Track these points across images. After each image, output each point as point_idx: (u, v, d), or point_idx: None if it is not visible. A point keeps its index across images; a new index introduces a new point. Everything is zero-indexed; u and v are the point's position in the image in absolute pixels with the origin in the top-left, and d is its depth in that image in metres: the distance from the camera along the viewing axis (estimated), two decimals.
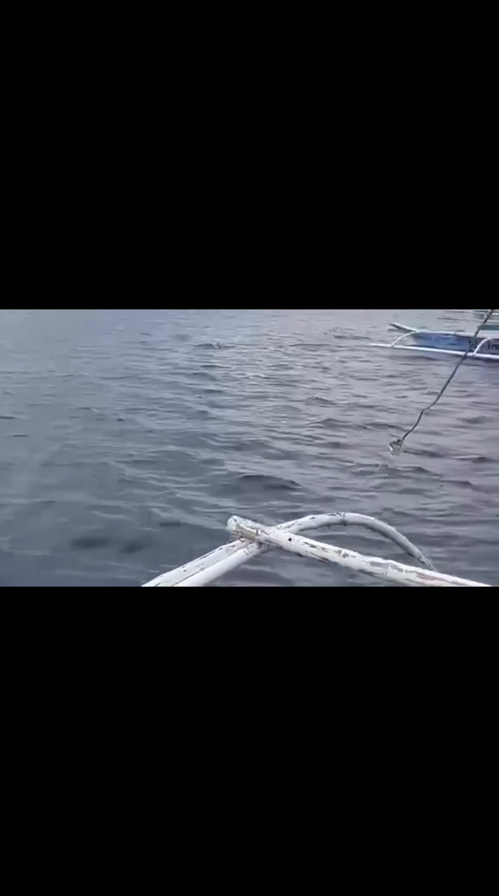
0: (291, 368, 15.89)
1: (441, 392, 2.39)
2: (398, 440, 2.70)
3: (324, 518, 2.01)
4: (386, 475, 7.29)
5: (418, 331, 19.22)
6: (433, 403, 2.41)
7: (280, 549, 1.66)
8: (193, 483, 7.17)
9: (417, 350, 18.38)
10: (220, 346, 18.87)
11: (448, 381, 2.28)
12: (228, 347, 18.85)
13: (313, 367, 16.40)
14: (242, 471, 7.49)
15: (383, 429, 9.13)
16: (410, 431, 2.59)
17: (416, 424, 2.50)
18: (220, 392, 12.54)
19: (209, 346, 18.89)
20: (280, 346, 19.26)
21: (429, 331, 18.95)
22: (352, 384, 13.80)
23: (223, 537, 1.82)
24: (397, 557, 1.55)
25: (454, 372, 2.28)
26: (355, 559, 1.50)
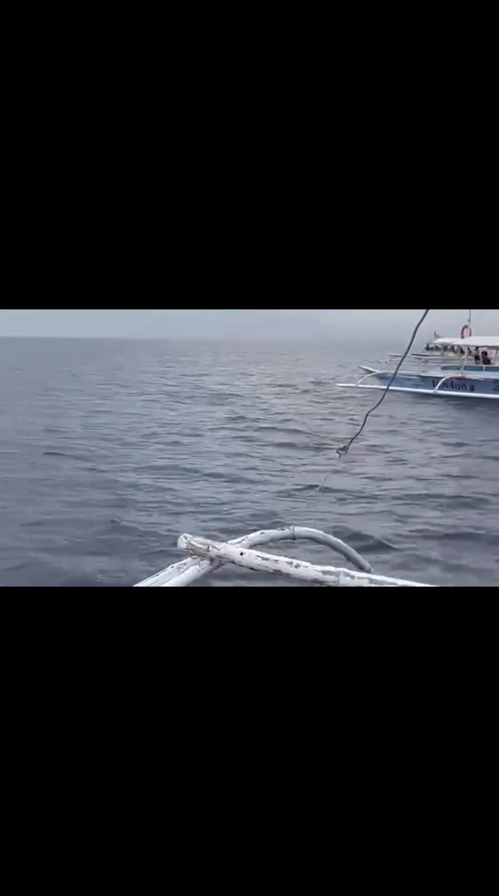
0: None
1: (380, 401, 2.55)
2: (345, 446, 3.01)
3: (274, 532, 2.05)
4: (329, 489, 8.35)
5: (379, 371, 22.97)
6: (373, 409, 2.57)
7: (233, 564, 1.68)
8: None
9: (381, 389, 21.86)
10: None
11: (382, 397, 2.47)
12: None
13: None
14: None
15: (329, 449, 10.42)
16: (355, 437, 2.82)
17: (360, 430, 2.70)
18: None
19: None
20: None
21: (393, 371, 22.71)
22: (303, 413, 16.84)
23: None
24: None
25: (386, 391, 2.53)
26: (308, 569, 1.52)
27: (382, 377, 23.90)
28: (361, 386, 22.29)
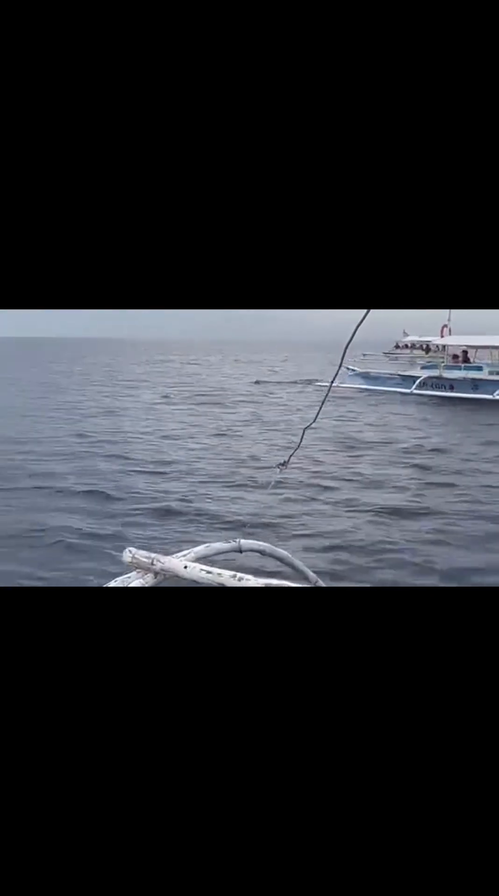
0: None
1: (318, 412, 2.39)
2: (285, 461, 2.90)
3: (219, 545, 2.06)
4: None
5: (360, 370, 22.69)
6: (313, 421, 2.42)
7: (177, 577, 1.69)
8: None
9: (361, 388, 21.42)
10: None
11: (324, 400, 2.29)
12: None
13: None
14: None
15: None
16: (294, 452, 2.70)
17: (299, 444, 2.58)
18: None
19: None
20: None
21: (375, 370, 22.55)
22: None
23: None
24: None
25: (329, 391, 2.30)
26: (250, 581, 1.53)
27: (365, 376, 23.72)
28: (343, 386, 21.94)
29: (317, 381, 25.34)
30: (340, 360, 2.11)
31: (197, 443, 13.76)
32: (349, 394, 21.26)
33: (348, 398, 20.49)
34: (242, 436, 14.65)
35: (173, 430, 15.37)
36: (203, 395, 23.41)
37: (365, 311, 1.55)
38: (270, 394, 24.27)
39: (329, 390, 2.30)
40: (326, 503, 8.98)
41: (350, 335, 1.78)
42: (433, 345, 40.12)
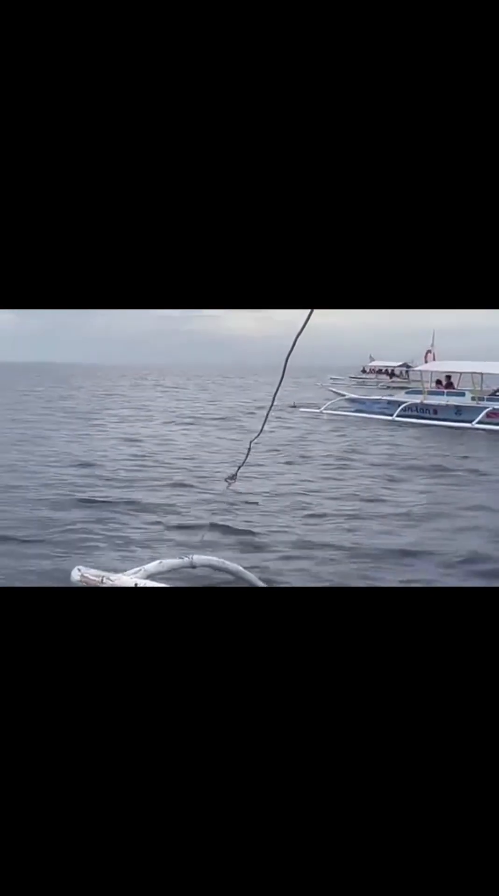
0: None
1: (262, 426, 2.36)
2: (232, 475, 2.84)
3: (172, 562, 2.06)
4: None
5: (349, 395, 21.78)
6: (257, 435, 2.37)
7: None
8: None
9: (348, 414, 20.78)
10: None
11: (267, 415, 2.26)
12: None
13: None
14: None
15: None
16: (241, 465, 2.62)
17: (246, 458, 2.50)
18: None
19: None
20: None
21: (362, 396, 21.47)
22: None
23: None
24: None
25: (272, 404, 2.17)
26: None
27: (354, 401, 22.84)
28: (329, 412, 21.32)
29: (302, 406, 23.17)
30: (281, 373, 1.82)
31: None
32: (337, 419, 20.40)
33: (336, 422, 19.72)
34: None
35: None
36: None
37: (308, 311, 1.50)
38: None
39: (271, 407, 2.18)
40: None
41: (293, 341, 1.67)
42: (390, 370, 40.52)
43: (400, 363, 39.07)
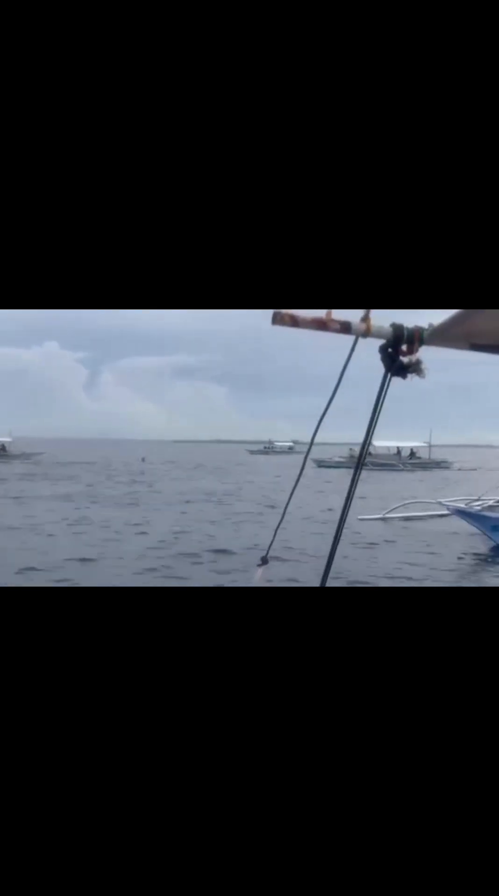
0: None
1: (288, 501, 2.03)
2: (264, 556, 2.39)
3: None
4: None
5: (463, 506, 14.79)
6: (282, 519, 2.06)
7: None
8: None
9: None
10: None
11: (293, 489, 1.97)
12: None
13: None
14: None
15: None
16: (272, 542, 2.36)
17: (273, 540, 2.18)
18: None
19: None
20: None
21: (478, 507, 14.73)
22: None
23: None
24: None
25: (299, 478, 1.92)
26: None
27: (465, 513, 14.58)
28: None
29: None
30: (325, 406, 1.63)
31: None
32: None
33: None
34: None
35: None
36: None
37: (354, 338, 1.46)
38: None
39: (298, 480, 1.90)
40: None
41: (343, 365, 1.56)
42: None
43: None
